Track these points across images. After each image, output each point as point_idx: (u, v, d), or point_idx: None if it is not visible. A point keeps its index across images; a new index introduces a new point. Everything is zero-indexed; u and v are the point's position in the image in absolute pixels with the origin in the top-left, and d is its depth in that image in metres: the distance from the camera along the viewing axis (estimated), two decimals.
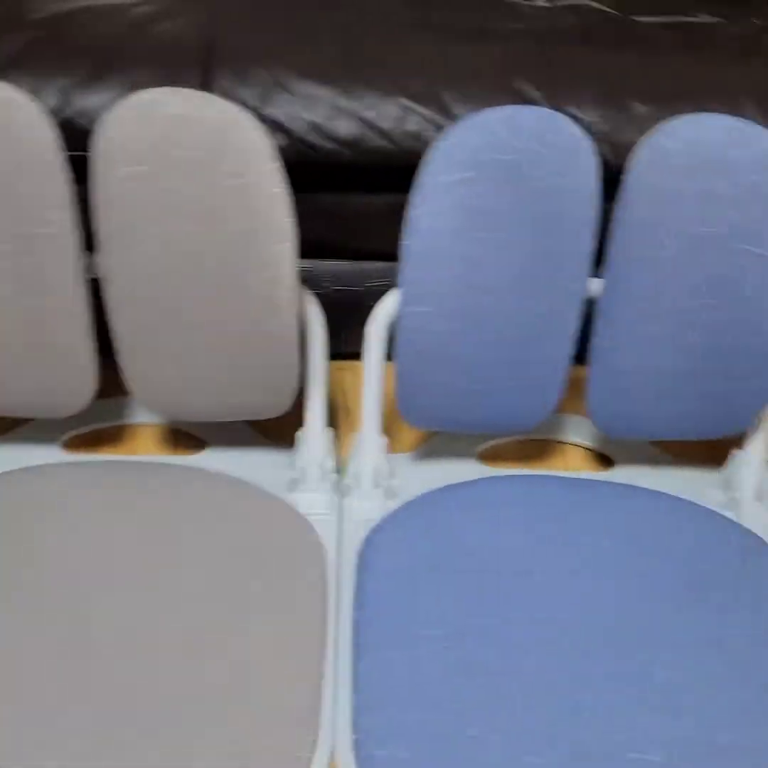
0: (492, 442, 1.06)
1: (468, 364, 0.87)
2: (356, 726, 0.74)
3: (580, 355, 0.96)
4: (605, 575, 0.87)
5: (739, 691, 0.77)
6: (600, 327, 0.87)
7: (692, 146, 0.77)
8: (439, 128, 0.90)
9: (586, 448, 1.07)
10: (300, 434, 0.97)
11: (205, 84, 0.91)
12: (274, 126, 0.91)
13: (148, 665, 0.77)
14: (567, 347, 0.87)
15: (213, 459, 1.01)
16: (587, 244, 0.81)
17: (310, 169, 0.95)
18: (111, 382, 1.08)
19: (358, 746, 0.73)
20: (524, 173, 0.78)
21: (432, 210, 0.79)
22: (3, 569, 0.85)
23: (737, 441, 0.99)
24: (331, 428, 0.98)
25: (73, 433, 1.05)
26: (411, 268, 0.81)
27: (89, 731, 0.72)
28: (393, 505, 0.96)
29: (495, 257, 0.81)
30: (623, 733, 0.73)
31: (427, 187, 0.78)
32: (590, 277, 0.85)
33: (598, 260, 0.84)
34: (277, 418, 1.09)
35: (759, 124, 0.77)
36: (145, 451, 1.04)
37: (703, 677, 0.78)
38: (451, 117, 0.90)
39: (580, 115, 0.90)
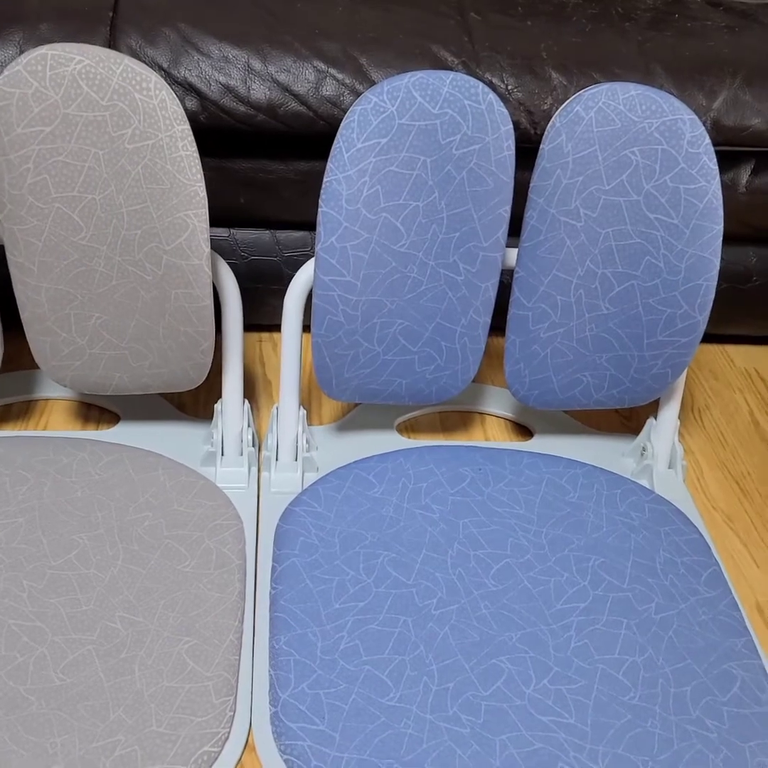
0: (412, 414, 1.06)
1: (385, 335, 0.87)
2: (273, 700, 0.74)
3: (500, 326, 0.96)
4: (522, 544, 0.88)
5: (647, 653, 0.79)
6: (516, 297, 0.87)
7: (606, 115, 0.78)
8: (356, 93, 0.88)
9: (506, 419, 1.08)
10: (217, 406, 0.95)
11: (112, 43, 0.87)
12: (186, 88, 0.87)
13: (59, 640, 0.75)
14: (485, 317, 0.87)
15: (127, 433, 0.99)
16: (504, 212, 0.81)
17: (224, 134, 0.92)
18: (17, 355, 1.04)
19: (275, 720, 0.72)
20: (440, 140, 0.77)
21: (348, 176, 0.77)
22: None
23: (651, 409, 1.01)
24: (249, 401, 0.96)
25: None
26: (327, 236, 0.80)
27: (3, 714, 0.70)
28: (312, 477, 0.95)
29: (412, 225, 0.80)
30: (537, 698, 0.75)
31: (343, 153, 0.76)
32: (507, 246, 0.85)
33: (516, 229, 0.84)
34: (194, 391, 1.06)
35: (671, 93, 0.78)
36: (56, 426, 1.00)
37: (614, 641, 0.80)
38: (369, 82, 0.88)
39: (497, 82, 0.90)
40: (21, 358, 1.03)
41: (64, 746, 0.68)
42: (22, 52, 0.85)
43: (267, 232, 1.06)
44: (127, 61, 0.74)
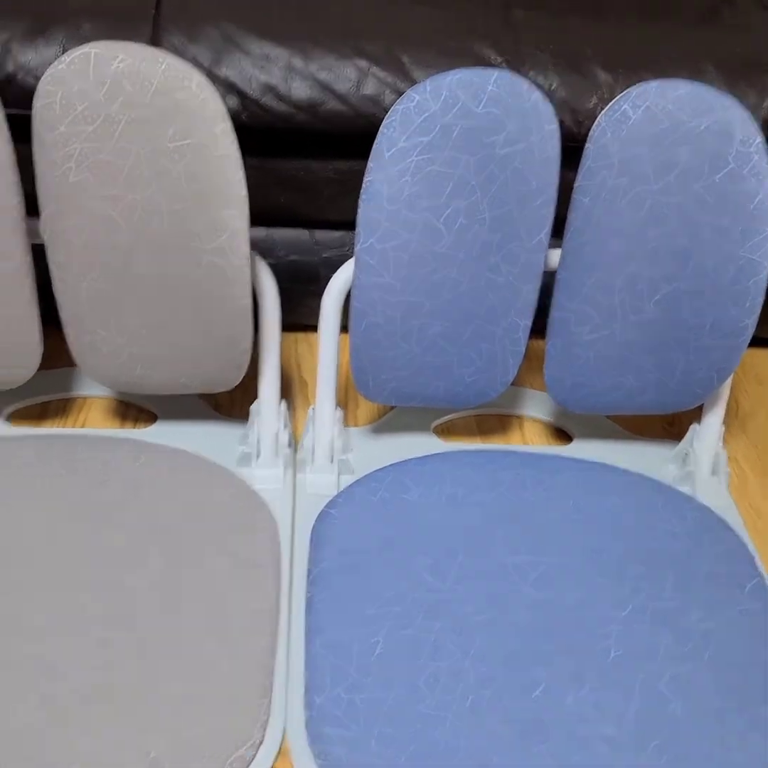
0: (449, 416, 1.05)
1: (424, 337, 0.86)
2: (308, 704, 0.73)
3: (540, 328, 0.95)
4: (561, 551, 0.86)
5: (688, 664, 0.77)
6: (558, 299, 0.85)
7: (654, 114, 0.76)
8: (397, 92, 0.88)
9: (545, 423, 1.06)
10: (254, 407, 0.95)
11: (155, 41, 0.87)
12: (227, 87, 0.87)
13: (94, 643, 0.75)
14: (526, 319, 0.86)
15: (164, 433, 0.99)
16: (547, 213, 0.79)
17: (265, 132, 0.91)
18: (56, 353, 1.04)
19: (310, 724, 0.72)
20: (483, 139, 0.76)
21: (388, 176, 0.76)
22: None
23: (694, 415, 0.99)
24: (285, 401, 0.96)
25: (18, 405, 1.01)
26: (366, 236, 0.79)
27: (27, 714, 0.70)
28: (348, 480, 0.95)
29: (453, 225, 0.79)
30: (576, 708, 0.73)
31: (384, 153, 0.76)
32: (550, 247, 0.83)
33: (559, 230, 0.82)
34: (230, 391, 1.06)
35: (720, 91, 0.76)
36: (94, 424, 1.01)
37: (655, 651, 0.78)
38: (411, 81, 0.87)
39: (541, 80, 0.88)
40: (60, 356, 1.04)
41: (99, 746, 0.68)
42: (65, 51, 0.85)
43: (305, 231, 1.05)
44: (170, 59, 0.73)
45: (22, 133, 0.76)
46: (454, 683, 0.74)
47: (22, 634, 0.75)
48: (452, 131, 0.75)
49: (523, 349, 0.88)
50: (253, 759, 0.70)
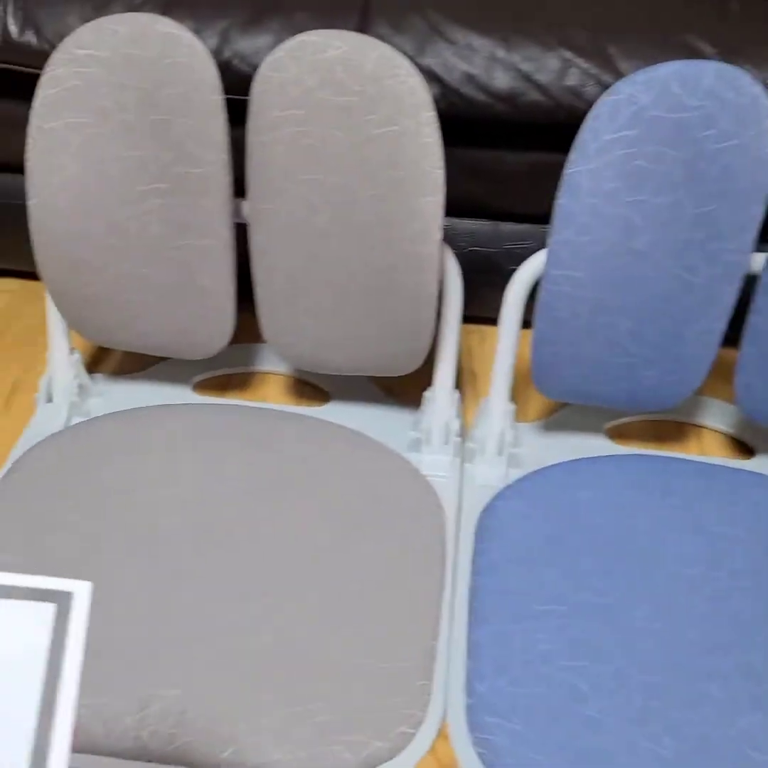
0: (624, 419, 1.02)
1: (612, 336, 0.84)
2: (470, 691, 0.73)
3: (729, 336, 0.91)
4: (739, 568, 0.83)
5: None
6: (759, 304, 0.81)
7: None
8: (601, 84, 0.86)
9: (725, 434, 1.02)
10: (428, 394, 0.96)
11: (362, 30, 0.89)
12: (429, 76, 0.88)
13: (269, 608, 0.78)
14: (720, 324, 0.82)
15: (337, 412, 1.01)
16: (756, 214, 0.76)
17: (460, 122, 0.92)
18: (242, 330, 1.09)
19: (470, 711, 0.72)
20: (695, 134, 0.73)
21: (590, 169, 0.75)
22: (126, 501, 0.87)
23: None
24: (456, 391, 0.96)
25: (204, 376, 1.07)
26: (562, 229, 0.78)
27: (204, 670, 0.74)
28: (515, 473, 0.94)
29: (654, 222, 0.77)
30: (750, 732, 0.70)
31: (588, 145, 0.74)
32: (754, 250, 0.79)
33: (765, 233, 0.79)
34: (401, 377, 1.08)
35: None
36: (271, 399, 1.05)
37: None
38: (616, 72, 0.86)
39: (757, 74, 0.84)
40: (249, 333, 1.09)
41: (271, 704, 0.71)
42: (279, 39, 0.89)
43: (489, 223, 1.05)
44: (383, 47, 0.75)
45: (230, 117, 0.80)
46: (619, 689, 0.73)
47: (204, 594, 0.79)
48: (662, 125, 0.73)
49: (714, 354, 0.85)
50: (413, 737, 0.71)
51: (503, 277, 1.07)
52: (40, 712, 0.37)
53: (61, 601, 0.40)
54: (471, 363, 1.14)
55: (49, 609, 0.40)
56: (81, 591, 0.40)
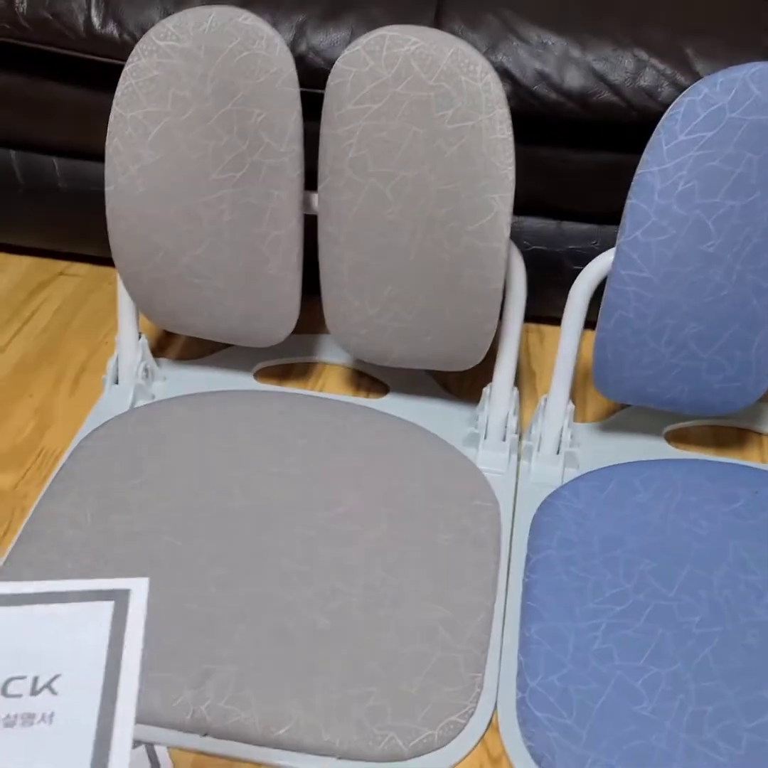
0: (683, 423, 1.02)
1: (675, 338, 0.83)
2: (521, 686, 0.74)
3: None
4: None
5: None
6: None
7: None
8: (676, 85, 0.85)
9: None
10: (486, 390, 0.96)
11: (436, 26, 0.90)
12: (501, 73, 0.89)
13: (327, 591, 0.80)
14: None
15: (395, 405, 1.02)
16: None
17: (530, 120, 0.92)
18: (303, 320, 1.11)
19: (521, 705, 0.73)
20: None
21: (663, 170, 0.75)
22: (189, 482, 0.89)
23: None
24: (515, 388, 0.96)
25: (265, 364, 1.08)
26: (632, 229, 0.78)
27: (263, 648, 0.75)
28: (572, 473, 0.94)
29: (724, 225, 0.76)
30: None
31: (662, 145, 0.74)
32: None
33: None
34: (460, 373, 1.08)
35: None
36: (331, 389, 1.06)
37: None
38: (692, 73, 0.85)
39: None
40: (310, 323, 1.10)
41: (324, 685, 0.73)
42: (353, 33, 0.90)
43: (553, 222, 1.05)
44: (458, 44, 0.76)
45: (304, 110, 0.81)
46: (674, 691, 0.72)
47: (264, 575, 0.81)
48: (739, 127, 0.72)
49: None
50: (463, 727, 0.72)
51: (564, 276, 1.07)
52: (100, 708, 0.39)
53: (119, 598, 0.41)
54: (529, 362, 1.14)
55: (107, 607, 0.41)
56: (138, 588, 0.41)
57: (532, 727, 0.71)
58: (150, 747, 0.68)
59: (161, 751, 0.68)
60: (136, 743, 0.68)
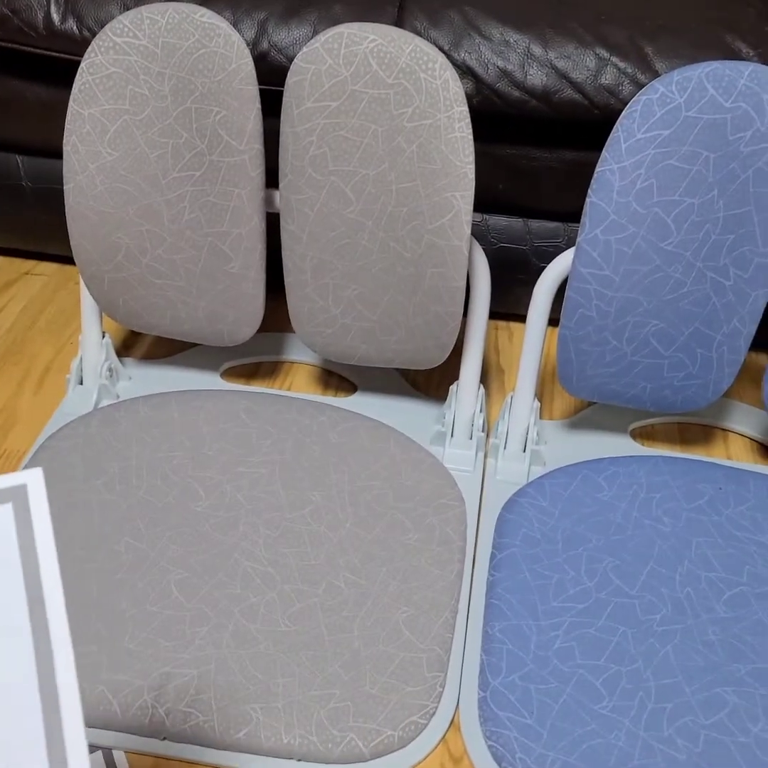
0: (649, 421, 1.02)
1: (637, 335, 0.83)
2: (483, 685, 0.74)
3: (758, 340, 0.90)
4: (759, 574, 0.82)
5: None
6: None
7: None
8: (636, 83, 0.85)
9: (752, 439, 1.01)
10: (453, 388, 0.96)
11: (398, 24, 0.90)
12: (463, 71, 0.88)
13: (288, 589, 0.79)
14: (750, 327, 0.81)
15: (362, 404, 1.02)
16: None
17: (493, 118, 0.92)
18: (275, 318, 1.11)
19: (483, 705, 0.73)
20: (728, 136, 0.73)
21: (622, 168, 0.75)
22: (152, 482, 0.89)
23: None
24: (482, 386, 0.96)
25: (232, 363, 1.08)
26: (592, 227, 0.78)
27: (221, 651, 0.75)
28: (537, 471, 0.94)
29: (683, 223, 0.76)
30: (760, 736, 0.69)
31: (621, 143, 0.74)
32: None
33: None
34: (428, 370, 1.08)
35: None
36: (298, 388, 1.06)
37: None
38: (652, 72, 0.85)
39: None
40: (278, 322, 1.10)
41: (286, 688, 0.72)
42: (315, 31, 0.89)
43: (520, 220, 1.05)
44: (418, 41, 0.75)
45: (265, 108, 0.81)
46: (634, 689, 0.73)
47: (227, 577, 0.81)
48: (695, 126, 0.73)
49: (742, 358, 0.84)
50: (424, 727, 0.72)
51: (532, 274, 1.07)
52: (30, 613, 0.36)
53: (18, 497, 0.38)
54: (499, 359, 1.14)
55: (7, 510, 0.38)
56: (34, 479, 0.39)
57: (493, 726, 0.71)
58: (107, 752, 0.68)
59: (119, 756, 0.68)
60: (93, 748, 0.68)
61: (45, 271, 1.23)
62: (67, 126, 0.83)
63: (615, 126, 0.74)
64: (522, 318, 1.17)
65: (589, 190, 0.77)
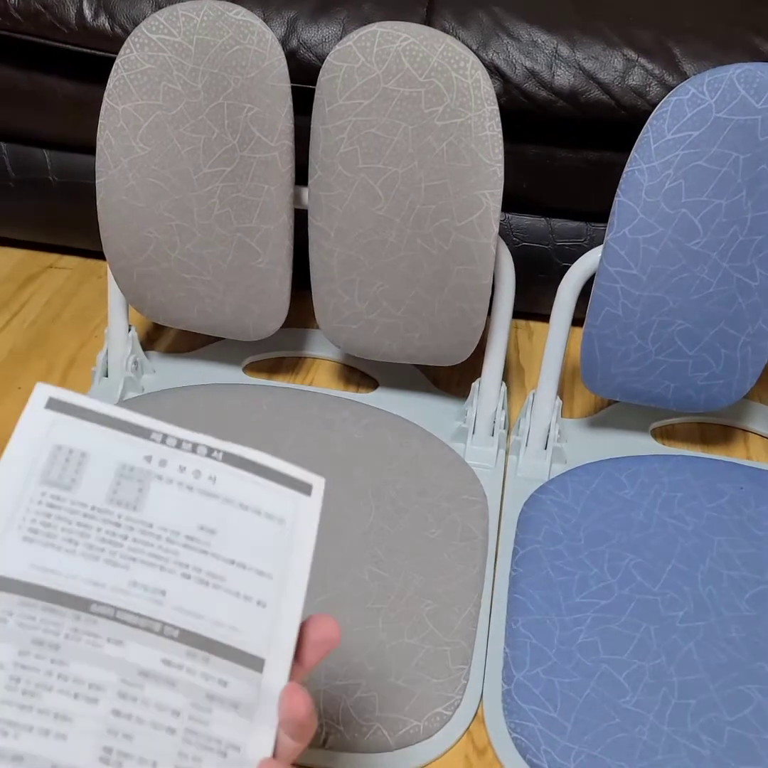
0: (670, 420, 1.02)
1: (662, 335, 0.84)
2: (507, 678, 0.75)
3: None
4: None
5: None
6: None
7: None
8: (664, 85, 0.86)
9: None
10: (475, 385, 0.97)
11: (427, 23, 0.90)
12: (491, 70, 0.89)
13: (309, 590, 0.80)
14: None
15: (384, 400, 1.03)
16: None
17: (520, 118, 0.93)
18: (300, 314, 1.11)
19: (507, 697, 0.73)
20: (759, 137, 0.73)
21: (651, 168, 0.76)
22: None
23: None
24: (503, 384, 0.97)
25: (256, 357, 1.09)
26: (620, 226, 0.78)
27: None
28: (559, 468, 0.95)
29: (711, 223, 0.77)
30: None
31: (650, 144, 0.75)
32: None
33: None
34: (450, 367, 1.09)
35: None
36: (321, 383, 1.07)
37: None
38: (679, 73, 0.86)
39: None
40: (301, 318, 1.11)
41: (312, 678, 0.73)
42: (345, 29, 0.90)
43: (542, 219, 1.06)
44: (449, 40, 0.76)
45: (295, 105, 0.82)
46: (658, 685, 0.73)
47: None
48: (725, 127, 0.73)
49: (766, 358, 0.84)
50: (449, 719, 0.73)
51: (554, 273, 1.08)
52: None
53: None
54: (518, 358, 1.14)
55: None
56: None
57: (517, 718, 0.72)
58: None
59: None
60: None
61: (68, 264, 1.24)
62: (100, 121, 0.84)
63: (645, 126, 0.75)
64: (541, 317, 1.18)
65: (617, 190, 0.77)
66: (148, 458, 0.40)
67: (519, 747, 0.70)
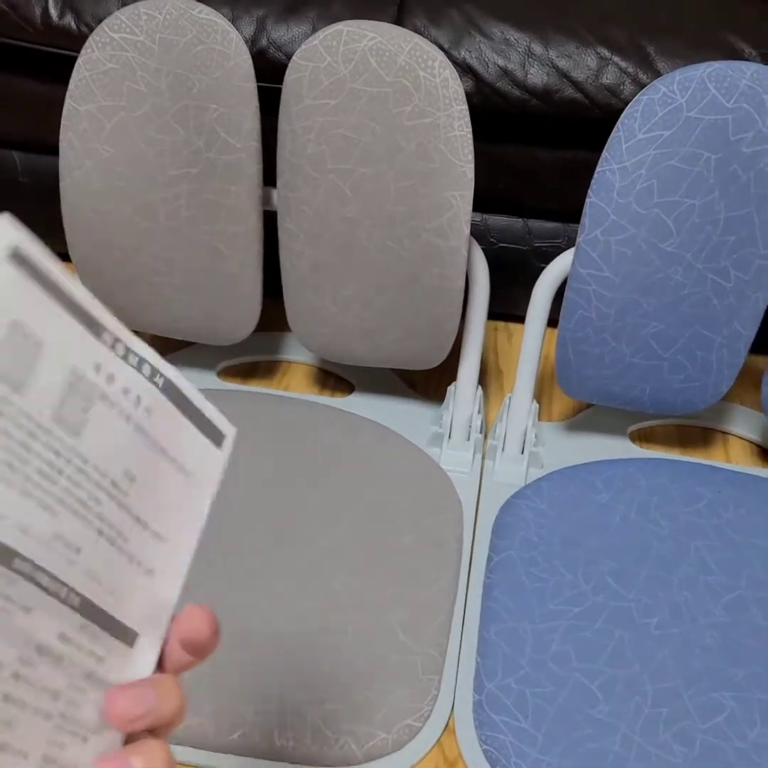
0: (648, 423, 1.01)
1: (636, 337, 0.83)
2: (478, 688, 0.73)
3: (757, 343, 0.89)
4: (758, 578, 0.81)
5: None
6: None
7: None
8: (637, 83, 0.85)
9: (751, 442, 1.00)
10: (450, 389, 0.96)
11: (398, 22, 0.89)
12: (464, 69, 0.88)
13: (277, 599, 0.79)
14: (750, 330, 0.81)
15: (359, 404, 1.02)
16: None
17: (493, 117, 0.91)
18: (272, 318, 1.10)
19: (478, 708, 0.72)
20: (730, 136, 0.72)
21: (622, 168, 0.74)
22: None
23: None
24: (479, 387, 0.96)
25: (229, 362, 1.07)
26: (592, 227, 0.77)
27: (216, 652, 0.74)
28: (536, 473, 0.94)
29: (684, 224, 0.76)
30: (763, 743, 0.69)
31: (621, 144, 0.73)
32: None
33: None
34: (426, 371, 1.08)
35: None
36: (295, 388, 1.05)
37: None
38: (653, 71, 0.84)
39: None
40: (275, 322, 1.09)
41: (280, 691, 0.72)
42: (315, 28, 0.89)
43: (520, 220, 1.04)
44: (417, 39, 0.75)
45: (264, 105, 0.80)
46: (630, 694, 0.72)
47: (221, 578, 0.80)
48: (696, 126, 0.72)
49: (742, 360, 0.83)
50: (419, 731, 0.71)
51: (532, 274, 1.07)
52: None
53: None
54: (497, 360, 1.13)
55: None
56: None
57: (488, 730, 0.70)
58: None
59: None
60: None
61: None
62: (63, 122, 0.82)
63: (616, 126, 0.74)
64: (521, 319, 1.16)
65: (589, 191, 0.76)
66: (97, 367, 0.30)
67: (490, 759, 0.69)
